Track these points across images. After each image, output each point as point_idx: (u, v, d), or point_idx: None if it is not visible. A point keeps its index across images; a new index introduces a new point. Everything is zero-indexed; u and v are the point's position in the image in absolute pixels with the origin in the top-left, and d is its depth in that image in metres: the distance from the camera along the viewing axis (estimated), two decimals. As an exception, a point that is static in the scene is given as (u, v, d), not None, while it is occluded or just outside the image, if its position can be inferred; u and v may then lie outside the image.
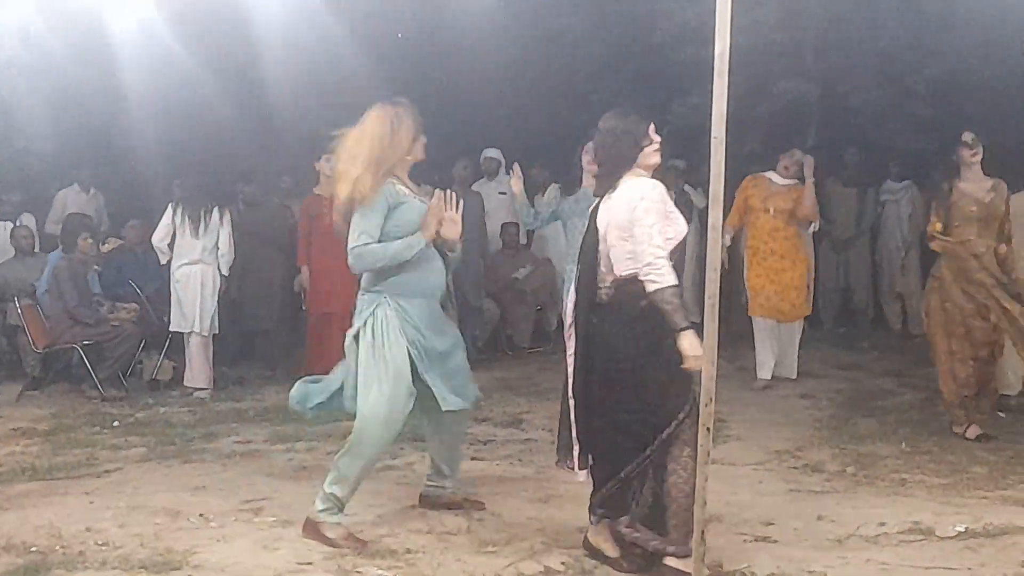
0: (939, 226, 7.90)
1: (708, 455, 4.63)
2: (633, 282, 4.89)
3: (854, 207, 12.18)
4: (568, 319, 5.27)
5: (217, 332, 10.04)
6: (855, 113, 12.06)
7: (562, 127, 11.89)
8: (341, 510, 5.64)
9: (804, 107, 11.64)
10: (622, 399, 4.98)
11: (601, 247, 5.08)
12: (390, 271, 5.58)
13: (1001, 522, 5.73)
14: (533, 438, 7.88)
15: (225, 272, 10.00)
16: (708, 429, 4.61)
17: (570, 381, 5.19)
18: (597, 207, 5.20)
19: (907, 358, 10.72)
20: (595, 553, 5.24)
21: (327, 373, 9.95)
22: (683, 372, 4.80)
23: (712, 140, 4.49)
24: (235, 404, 9.45)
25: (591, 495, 5.25)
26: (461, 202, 5.80)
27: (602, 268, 5.10)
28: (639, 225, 4.86)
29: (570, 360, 5.20)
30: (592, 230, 5.16)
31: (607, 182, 5.17)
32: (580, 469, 5.23)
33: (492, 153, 12.06)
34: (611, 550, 5.18)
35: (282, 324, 11.00)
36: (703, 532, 4.66)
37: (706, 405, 4.58)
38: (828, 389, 9.68)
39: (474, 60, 12.03)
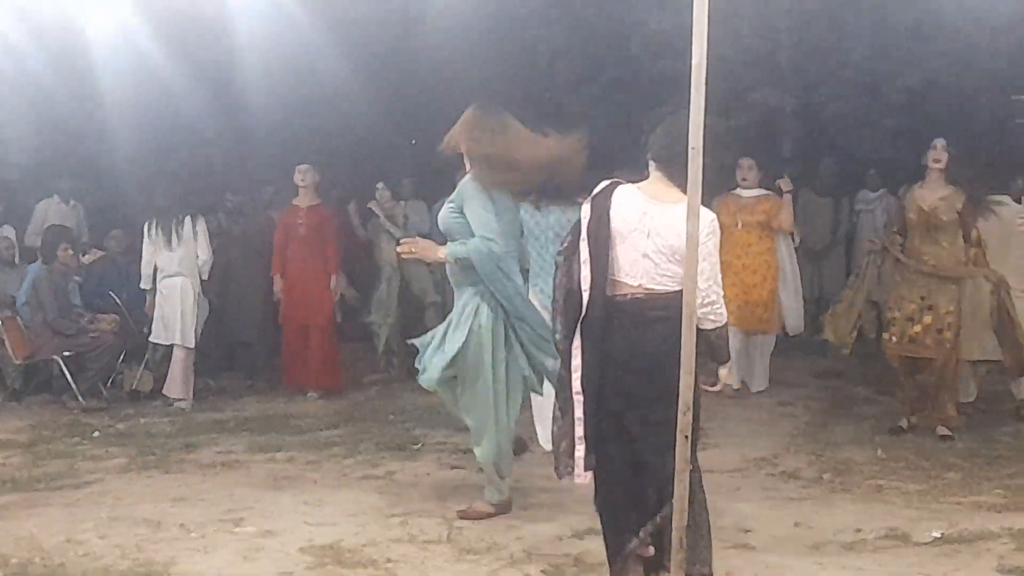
0: (895, 228, 8.16)
1: (686, 463, 4.67)
2: (672, 297, 4.68)
3: (830, 217, 12.25)
4: (561, 328, 4.91)
5: (199, 344, 10.06)
6: (830, 123, 12.13)
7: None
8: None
9: (780, 117, 11.70)
10: (654, 412, 4.74)
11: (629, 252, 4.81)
12: None
13: (975, 527, 5.80)
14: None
15: (205, 277, 10.02)
16: (686, 437, 4.64)
17: (574, 385, 4.86)
18: (607, 205, 4.83)
19: (882, 365, 10.78)
20: None
21: (306, 385, 10.00)
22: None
23: (689, 150, 4.53)
24: (216, 414, 9.46)
25: (595, 498, 4.99)
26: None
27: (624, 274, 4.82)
28: (708, 261, 4.68)
29: (576, 370, 4.85)
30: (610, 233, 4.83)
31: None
32: (586, 470, 4.83)
33: None
34: None
35: (264, 335, 11.01)
36: (682, 539, 4.70)
37: (684, 414, 4.62)
38: (804, 397, 9.75)
39: (450, 71, 12.05)
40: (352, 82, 11.33)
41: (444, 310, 10.03)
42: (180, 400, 9.83)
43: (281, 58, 10.96)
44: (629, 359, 4.76)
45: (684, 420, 4.63)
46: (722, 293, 4.79)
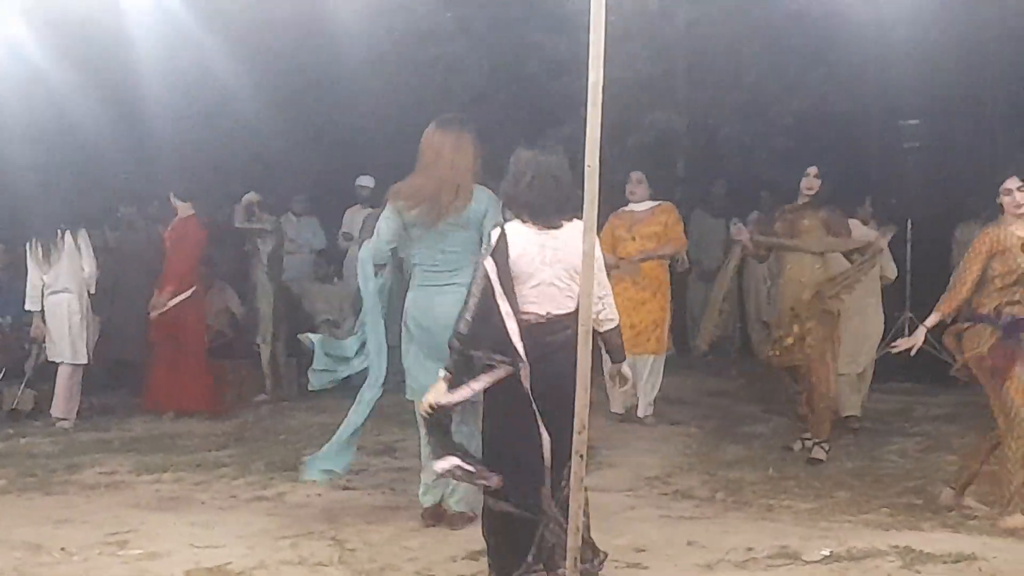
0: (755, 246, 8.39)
1: (581, 481, 4.66)
2: (571, 317, 4.88)
3: (722, 237, 12.38)
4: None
5: (88, 362, 9.82)
6: (723, 145, 12.32)
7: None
8: None
9: (674, 139, 11.85)
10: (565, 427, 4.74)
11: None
12: None
13: (864, 545, 5.86)
14: (406, 466, 7.81)
15: (92, 291, 9.78)
16: (581, 456, 4.63)
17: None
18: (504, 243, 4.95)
19: (774, 385, 10.92)
20: None
21: (170, 407, 9.69)
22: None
23: (586, 169, 4.53)
24: (100, 434, 9.23)
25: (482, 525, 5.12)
26: None
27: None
28: (603, 269, 5.10)
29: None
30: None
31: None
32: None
33: (365, 181, 11.98)
34: None
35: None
36: (576, 559, 4.67)
37: (579, 432, 4.60)
38: (697, 416, 9.81)
39: (350, 87, 12.00)
40: (249, 95, 11.20)
41: (340, 329, 9.93)
42: (62, 420, 9.56)
43: (177, 69, 10.80)
44: (537, 382, 4.84)
45: (580, 439, 4.61)
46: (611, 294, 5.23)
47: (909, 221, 11.56)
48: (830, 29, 11.80)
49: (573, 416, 4.62)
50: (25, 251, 9.77)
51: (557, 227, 4.98)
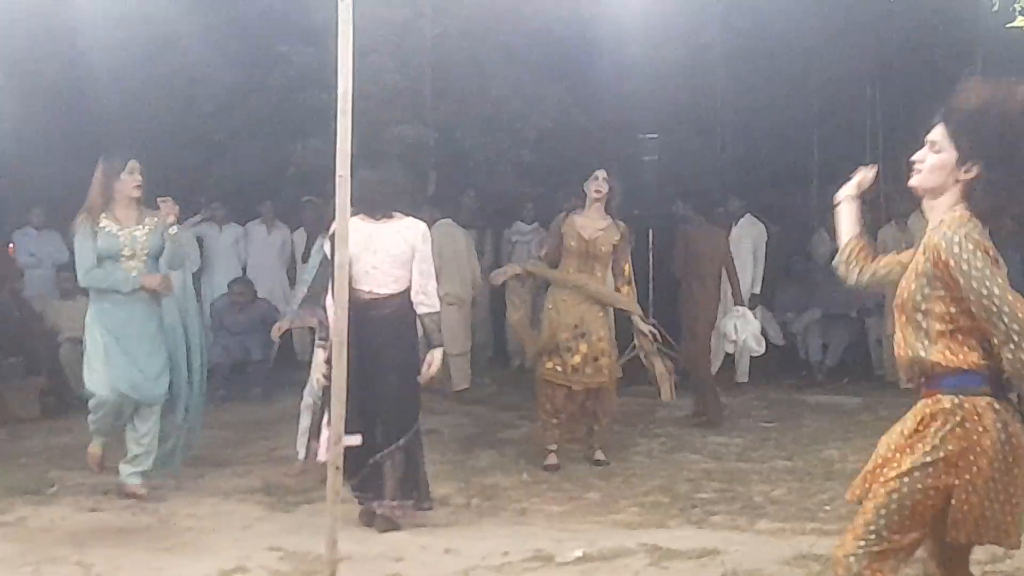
0: (543, 253, 8.35)
1: (338, 495, 4.65)
2: (403, 296, 6.46)
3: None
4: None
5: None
6: (470, 157, 12.48)
7: (180, 167, 11.68)
8: None
9: (422, 150, 11.93)
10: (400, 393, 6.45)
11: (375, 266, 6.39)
12: None
13: (614, 545, 6.04)
14: (155, 485, 7.54)
15: None
16: (337, 468, 4.62)
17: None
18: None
19: (524, 391, 11.11)
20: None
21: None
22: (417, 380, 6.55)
23: (337, 178, 4.53)
24: None
25: (349, 479, 6.05)
26: None
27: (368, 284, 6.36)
28: (427, 261, 6.55)
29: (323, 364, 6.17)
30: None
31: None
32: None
33: None
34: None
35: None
36: (334, 572, 4.66)
37: (335, 444, 4.60)
38: (451, 424, 9.85)
39: (91, 94, 11.62)
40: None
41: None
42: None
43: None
44: (366, 348, 6.07)
45: (336, 451, 4.61)
46: (435, 284, 6.57)
47: (650, 230, 11.99)
48: (570, 47, 12.18)
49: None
50: None
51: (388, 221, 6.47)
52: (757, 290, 11.74)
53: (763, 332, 10.86)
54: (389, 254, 6.39)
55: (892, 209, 11.73)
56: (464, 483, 7.69)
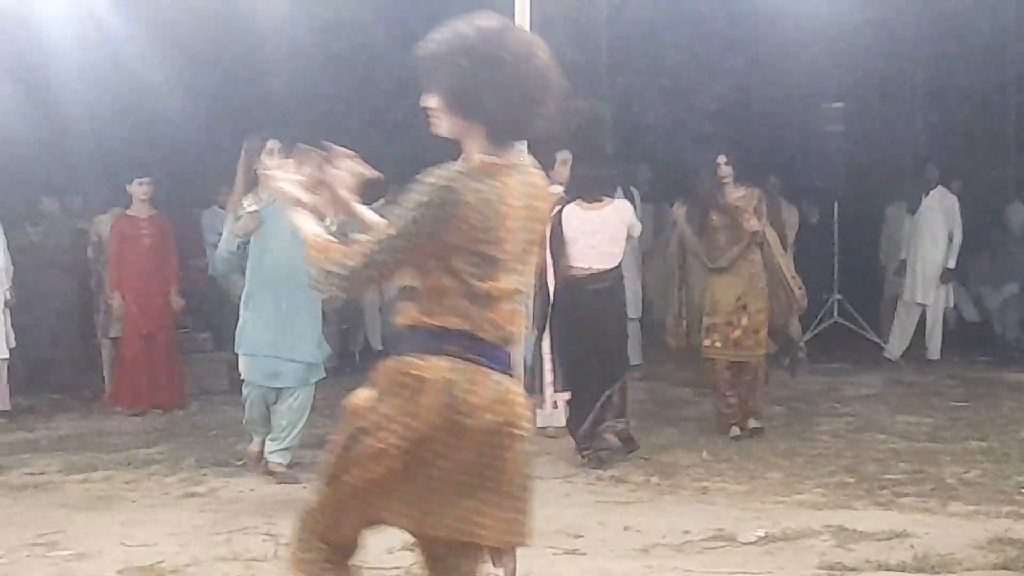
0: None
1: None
2: (617, 269, 7.61)
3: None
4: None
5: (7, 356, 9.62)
6: (647, 131, 12.37)
7: (359, 150, 11.92)
8: None
9: (599, 125, 11.86)
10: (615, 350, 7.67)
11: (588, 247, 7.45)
12: None
13: (797, 526, 5.92)
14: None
15: (7, 284, 9.58)
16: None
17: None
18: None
19: (698, 367, 10.96)
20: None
21: (140, 404, 9.63)
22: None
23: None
24: (26, 434, 9.04)
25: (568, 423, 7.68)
26: None
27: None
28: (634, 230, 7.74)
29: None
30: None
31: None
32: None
33: None
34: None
35: (75, 350, 10.60)
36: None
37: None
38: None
39: (277, 79, 11.94)
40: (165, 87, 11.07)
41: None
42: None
43: (90, 61, 10.63)
44: (585, 315, 7.53)
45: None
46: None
47: (836, 203, 11.67)
48: (749, 15, 11.93)
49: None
50: None
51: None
52: (952, 264, 11.27)
53: (957, 307, 10.48)
54: (607, 235, 7.44)
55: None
56: (643, 460, 7.64)
